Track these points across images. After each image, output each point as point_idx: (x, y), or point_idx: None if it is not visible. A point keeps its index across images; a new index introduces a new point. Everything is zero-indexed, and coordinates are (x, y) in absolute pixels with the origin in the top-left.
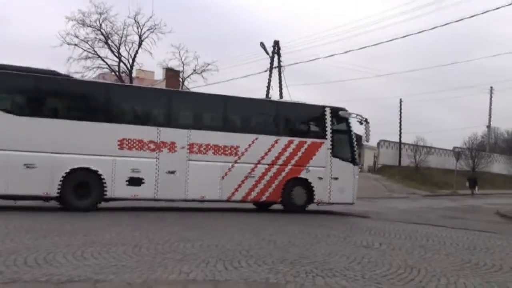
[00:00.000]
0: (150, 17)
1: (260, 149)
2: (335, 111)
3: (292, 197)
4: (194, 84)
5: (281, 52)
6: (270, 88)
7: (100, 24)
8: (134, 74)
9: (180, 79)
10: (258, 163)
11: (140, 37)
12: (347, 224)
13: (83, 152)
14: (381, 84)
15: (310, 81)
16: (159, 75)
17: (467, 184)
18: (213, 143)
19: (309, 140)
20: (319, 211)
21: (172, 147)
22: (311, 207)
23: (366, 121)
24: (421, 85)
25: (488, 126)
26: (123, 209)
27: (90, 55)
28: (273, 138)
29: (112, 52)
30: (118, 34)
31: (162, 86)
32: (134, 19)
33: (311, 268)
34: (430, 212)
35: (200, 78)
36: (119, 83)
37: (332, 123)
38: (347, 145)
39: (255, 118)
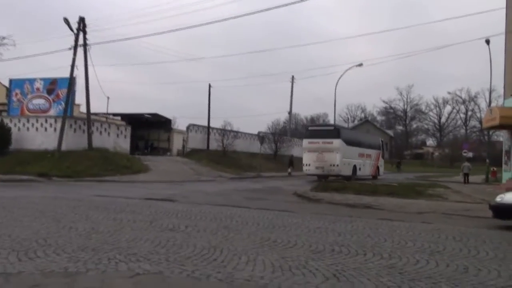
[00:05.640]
0: None
1: (373, 155)
2: (380, 138)
3: (376, 173)
4: None
5: (87, 29)
6: (75, 68)
7: None
8: None
9: None
10: (373, 160)
11: None
12: (153, 208)
13: (353, 158)
14: (195, 68)
15: (124, 61)
16: None
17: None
18: (366, 154)
19: (380, 151)
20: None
21: (365, 155)
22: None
23: (383, 141)
24: (234, 71)
25: (290, 113)
26: None
27: None
28: (375, 151)
29: None
30: None
31: None
32: None
33: (114, 254)
34: (235, 194)
35: None
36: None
37: (381, 143)
38: (383, 151)
39: (371, 142)
